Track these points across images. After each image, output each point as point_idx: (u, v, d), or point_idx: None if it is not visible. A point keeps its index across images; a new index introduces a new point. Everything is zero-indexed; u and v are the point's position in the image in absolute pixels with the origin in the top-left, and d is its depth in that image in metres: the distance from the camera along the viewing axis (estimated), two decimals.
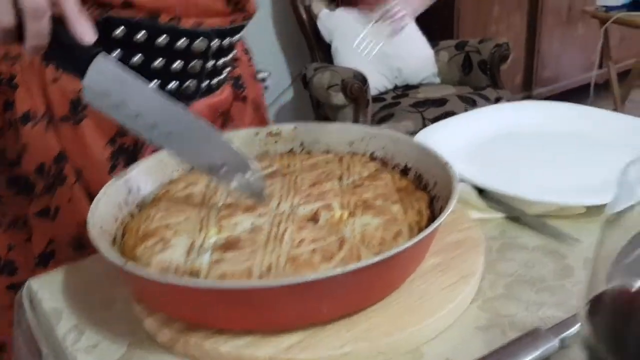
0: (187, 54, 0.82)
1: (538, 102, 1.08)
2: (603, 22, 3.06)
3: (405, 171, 0.74)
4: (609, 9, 3.05)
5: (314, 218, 0.63)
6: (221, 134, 0.67)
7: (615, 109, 3.19)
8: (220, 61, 0.88)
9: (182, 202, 0.67)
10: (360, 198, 0.66)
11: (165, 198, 0.68)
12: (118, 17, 0.76)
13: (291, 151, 0.81)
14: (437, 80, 3.09)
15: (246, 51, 1.04)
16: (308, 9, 3.03)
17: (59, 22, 0.60)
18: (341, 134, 0.80)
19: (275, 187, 0.69)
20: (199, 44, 0.82)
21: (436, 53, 3.07)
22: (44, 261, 0.84)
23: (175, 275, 0.54)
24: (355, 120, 2.67)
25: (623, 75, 3.61)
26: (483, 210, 0.77)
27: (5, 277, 0.86)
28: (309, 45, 3.10)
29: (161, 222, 0.62)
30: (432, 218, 0.64)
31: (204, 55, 0.84)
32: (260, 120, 1.05)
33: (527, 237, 0.71)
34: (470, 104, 2.73)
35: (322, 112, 2.93)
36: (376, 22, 0.73)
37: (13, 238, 0.86)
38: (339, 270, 0.50)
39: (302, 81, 2.89)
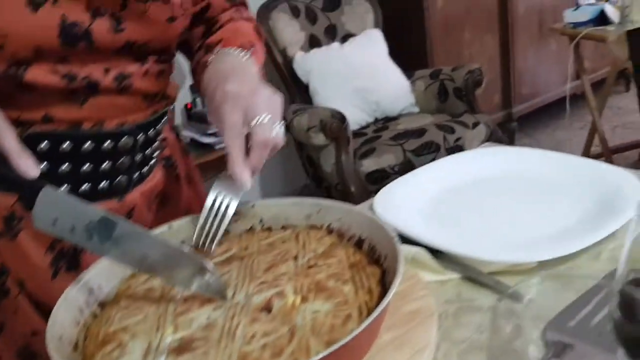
0: (114, 154, 0.83)
1: (496, 149, 1.11)
2: (572, 38, 3.12)
3: (360, 242, 0.76)
4: (576, 25, 3.10)
5: (267, 307, 0.65)
6: (177, 244, 0.70)
7: (593, 120, 3.23)
8: (148, 151, 0.89)
9: (142, 298, 0.70)
10: (314, 280, 0.68)
11: (126, 294, 0.71)
12: (41, 132, 0.77)
13: (251, 229, 0.83)
14: (416, 109, 3.13)
15: (173, 128, 1.04)
16: (283, 53, 3.09)
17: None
18: (297, 208, 0.83)
19: (232, 274, 0.71)
20: (125, 142, 0.83)
21: (412, 83, 3.12)
22: None
23: None
24: (338, 158, 2.70)
25: (601, 83, 3.66)
26: (439, 273, 0.79)
27: None
28: (287, 88, 3.15)
29: (120, 323, 0.65)
30: (384, 293, 0.66)
31: (132, 150, 0.85)
32: (196, 193, 1.06)
33: (481, 298, 0.74)
34: (448, 131, 2.77)
35: (305, 152, 2.97)
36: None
37: None
38: None
39: None
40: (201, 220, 0.74)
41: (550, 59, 3.97)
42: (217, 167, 2.53)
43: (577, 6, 3.26)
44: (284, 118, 2.76)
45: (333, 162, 2.73)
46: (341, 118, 2.67)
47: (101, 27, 0.77)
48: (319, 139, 2.71)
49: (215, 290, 0.67)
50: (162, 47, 0.86)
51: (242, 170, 0.72)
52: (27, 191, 0.63)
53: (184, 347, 0.59)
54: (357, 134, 2.94)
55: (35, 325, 0.83)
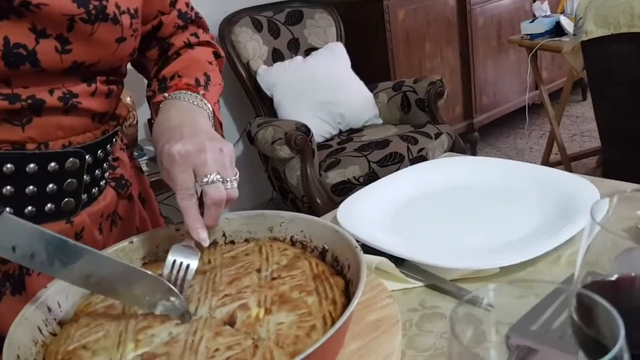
0: (59, 176, 0.80)
1: (457, 158, 1.13)
2: (529, 49, 3.19)
3: (324, 253, 0.77)
4: (533, 36, 3.18)
5: (230, 321, 0.65)
6: (142, 270, 0.69)
7: (551, 129, 3.30)
8: (97, 172, 0.87)
9: (102, 314, 0.69)
10: (277, 292, 0.68)
11: (86, 312, 0.70)
12: None
13: (214, 242, 0.83)
14: (380, 121, 3.16)
15: (126, 146, 1.03)
16: (246, 66, 3.09)
17: None
18: (260, 220, 0.83)
19: (194, 289, 0.71)
20: (71, 163, 0.81)
21: (375, 95, 3.15)
22: None
23: None
24: (303, 170, 2.71)
25: (559, 93, 3.75)
26: (403, 281, 0.80)
27: None
28: (252, 101, 3.15)
29: (80, 341, 0.64)
30: (347, 303, 0.66)
31: (79, 172, 0.82)
32: (151, 213, 1.05)
33: (444, 305, 0.74)
34: (411, 142, 2.80)
35: (270, 165, 2.97)
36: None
37: None
38: None
39: (248, 138, 2.93)
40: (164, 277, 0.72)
41: (509, 70, 4.05)
42: None
43: (534, 18, 3.35)
44: (249, 132, 2.72)
45: (298, 175, 2.73)
46: (306, 130, 2.68)
47: (47, 49, 0.75)
48: (284, 151, 2.71)
49: (180, 312, 0.67)
50: (111, 67, 0.85)
51: (198, 229, 0.72)
52: None
53: None
54: (322, 146, 2.95)
55: None
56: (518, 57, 3.99)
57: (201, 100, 0.85)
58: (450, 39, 3.70)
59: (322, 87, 3.05)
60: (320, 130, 3.02)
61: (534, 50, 3.12)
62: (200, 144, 0.73)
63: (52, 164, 0.79)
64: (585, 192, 0.90)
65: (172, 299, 0.67)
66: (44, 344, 0.66)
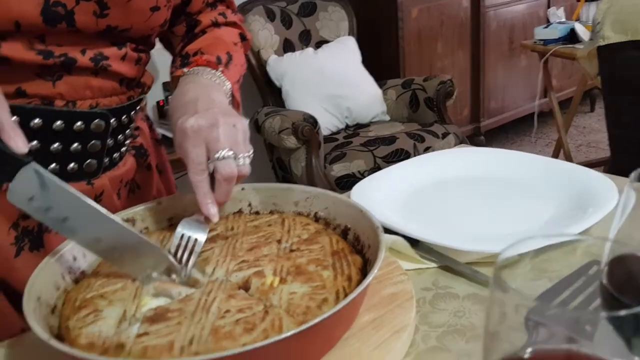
0: (85, 136, 0.82)
1: (469, 149, 1.13)
2: (542, 55, 3.19)
3: (346, 232, 0.76)
4: (546, 42, 3.17)
5: (245, 286, 0.65)
6: (152, 243, 0.68)
7: (559, 137, 3.30)
8: (120, 137, 0.89)
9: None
10: (294, 264, 0.68)
11: (108, 266, 0.70)
12: (12, 106, 0.74)
13: (240, 211, 0.83)
14: (387, 118, 3.16)
15: (147, 118, 1.04)
16: (257, 55, 3.08)
17: None
18: (286, 194, 0.83)
19: (214, 252, 0.71)
20: (96, 124, 0.82)
21: (384, 92, 3.15)
22: None
23: (96, 353, 0.55)
24: (309, 161, 2.70)
25: (568, 102, 3.75)
26: (417, 261, 0.79)
27: None
28: (260, 90, 3.14)
29: (98, 290, 0.64)
30: (362, 281, 0.66)
31: (103, 134, 0.84)
32: (167, 185, 1.05)
33: (458, 286, 0.74)
34: (418, 140, 2.80)
35: (276, 155, 2.96)
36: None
37: None
38: (247, 348, 0.51)
39: (255, 126, 2.92)
40: (172, 249, 0.72)
41: (519, 76, 4.05)
42: None
43: (548, 24, 3.34)
44: (256, 120, 2.72)
45: (303, 166, 2.73)
46: (313, 122, 2.68)
47: (85, 11, 0.76)
48: (290, 141, 2.71)
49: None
50: (142, 35, 0.86)
51: (208, 204, 0.73)
52: (9, 164, 0.62)
53: (158, 317, 0.59)
54: (328, 139, 2.94)
55: None
56: (529, 63, 3.99)
57: (220, 77, 0.85)
58: (462, 40, 3.69)
59: (332, 81, 3.04)
60: (327, 124, 3.02)
61: (547, 56, 3.12)
62: (213, 119, 0.73)
63: (79, 123, 0.80)
64: (601, 185, 0.90)
65: (173, 276, 0.67)
66: (66, 290, 0.67)
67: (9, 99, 0.75)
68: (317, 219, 0.80)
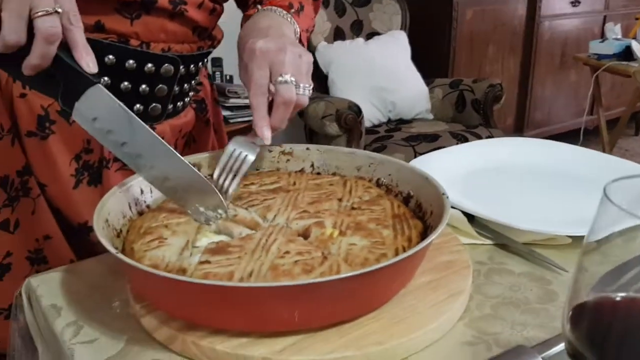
0: (153, 79, 0.83)
1: (530, 139, 1.12)
2: (594, 69, 3.14)
3: (407, 199, 0.76)
4: (600, 57, 3.13)
5: (304, 234, 0.65)
6: (213, 188, 0.69)
7: None
8: (185, 86, 0.90)
9: None
10: (354, 220, 0.68)
11: (172, 202, 0.71)
12: (89, 39, 0.77)
13: (302, 170, 0.84)
14: (430, 116, 3.14)
15: (208, 76, 1.06)
16: (307, 40, 3.09)
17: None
18: (350, 158, 0.83)
19: (276, 201, 0.72)
20: (166, 68, 0.84)
21: (430, 90, 3.14)
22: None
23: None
24: None
25: (612, 123, 3.69)
26: (473, 237, 0.79)
27: None
28: None
29: (163, 221, 0.66)
30: None
31: (171, 80, 0.85)
32: (221, 143, 1.07)
33: (513, 264, 0.74)
34: (462, 140, 2.78)
35: (315, 141, 2.97)
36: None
37: None
38: (305, 281, 0.53)
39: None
40: (221, 165, 0.74)
41: (567, 90, 4.00)
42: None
43: (604, 39, 3.29)
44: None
45: None
46: (357, 110, 2.68)
47: None
48: (333, 128, 2.71)
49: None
50: None
51: (264, 126, 0.73)
52: (78, 83, 0.64)
53: (219, 250, 0.60)
54: (369, 130, 2.94)
55: (50, 230, 0.83)
56: (578, 78, 3.94)
57: (291, 19, 0.85)
58: (514, 47, 3.66)
59: (379, 73, 3.04)
60: (370, 116, 3.01)
61: (600, 70, 3.07)
62: (282, 44, 0.74)
63: (149, 65, 0.82)
64: None
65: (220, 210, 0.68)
66: (131, 219, 0.68)
67: (88, 32, 0.77)
68: (379, 185, 0.80)
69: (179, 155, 0.67)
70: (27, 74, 0.65)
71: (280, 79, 0.72)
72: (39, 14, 0.61)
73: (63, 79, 0.65)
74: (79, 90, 0.64)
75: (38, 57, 0.62)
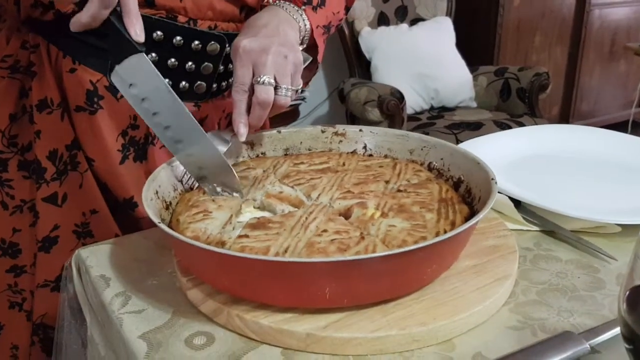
0: (200, 56, 0.84)
1: (580, 126, 1.09)
2: None
3: (458, 184, 0.76)
4: None
5: (346, 214, 0.66)
6: (221, 155, 0.72)
7: None
8: (230, 66, 0.90)
9: None
10: (398, 202, 0.68)
11: None
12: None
13: (354, 152, 0.84)
14: (474, 104, 3.10)
15: None
16: (351, 26, 3.07)
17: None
18: (402, 141, 0.83)
19: (322, 181, 0.72)
20: (212, 46, 0.84)
21: (474, 78, 3.09)
22: (47, 246, 0.85)
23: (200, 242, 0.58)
24: None
25: None
26: (519, 223, 0.78)
27: (7, 259, 0.87)
28: (349, 61, 3.14)
29: (210, 196, 0.67)
30: None
31: (216, 58, 0.86)
32: (263, 124, 1.08)
33: (560, 251, 0.73)
34: (506, 129, 2.73)
35: None
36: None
37: (18, 222, 0.86)
38: (339, 258, 0.53)
39: (339, 95, 2.93)
40: None
41: (615, 81, 3.89)
42: None
43: None
44: (342, 90, 2.70)
45: None
46: (400, 97, 2.66)
47: None
48: (374, 114, 2.70)
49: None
50: None
51: (240, 123, 0.75)
52: (123, 48, 0.65)
53: (260, 225, 0.61)
54: (411, 117, 2.92)
55: (97, 204, 0.85)
56: (628, 68, 3.83)
57: (301, 15, 0.84)
58: (561, 36, 3.57)
59: (422, 60, 3.00)
60: (412, 102, 2.98)
61: None
62: (266, 45, 0.75)
63: (196, 42, 0.83)
64: None
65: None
66: (181, 193, 0.70)
67: (139, 6, 0.78)
68: (430, 168, 0.79)
69: (213, 144, 0.70)
70: (73, 29, 0.67)
71: (259, 79, 0.73)
72: None
73: (109, 42, 0.66)
74: (123, 55, 0.66)
75: (89, 17, 0.64)
